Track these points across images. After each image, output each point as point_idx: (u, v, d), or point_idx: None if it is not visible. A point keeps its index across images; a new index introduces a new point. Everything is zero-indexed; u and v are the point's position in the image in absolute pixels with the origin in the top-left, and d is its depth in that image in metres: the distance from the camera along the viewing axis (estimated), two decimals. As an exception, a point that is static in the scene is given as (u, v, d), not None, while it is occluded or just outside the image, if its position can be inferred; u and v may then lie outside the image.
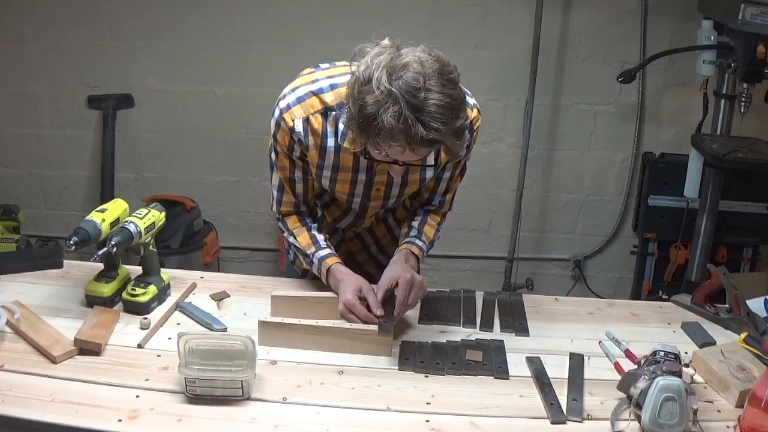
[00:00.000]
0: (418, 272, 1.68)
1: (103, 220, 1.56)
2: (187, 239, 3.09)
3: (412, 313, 1.68)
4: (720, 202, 2.78)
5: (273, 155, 1.66)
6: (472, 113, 1.62)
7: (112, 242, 1.52)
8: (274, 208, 1.73)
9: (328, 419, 1.32)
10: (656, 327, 1.70)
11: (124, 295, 1.63)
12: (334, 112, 1.55)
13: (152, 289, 1.64)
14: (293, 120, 1.56)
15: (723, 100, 2.71)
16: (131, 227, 1.57)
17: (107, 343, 1.49)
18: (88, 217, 1.56)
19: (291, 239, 1.72)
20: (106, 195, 3.17)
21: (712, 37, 2.65)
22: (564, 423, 1.33)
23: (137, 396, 1.34)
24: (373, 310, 1.57)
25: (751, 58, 2.46)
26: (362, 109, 1.35)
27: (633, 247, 3.38)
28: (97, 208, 1.61)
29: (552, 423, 1.33)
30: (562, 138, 3.30)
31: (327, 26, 3.06)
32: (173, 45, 3.15)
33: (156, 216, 1.65)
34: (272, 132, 1.62)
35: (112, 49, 3.16)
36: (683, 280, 2.92)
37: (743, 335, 1.57)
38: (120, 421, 1.27)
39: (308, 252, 1.69)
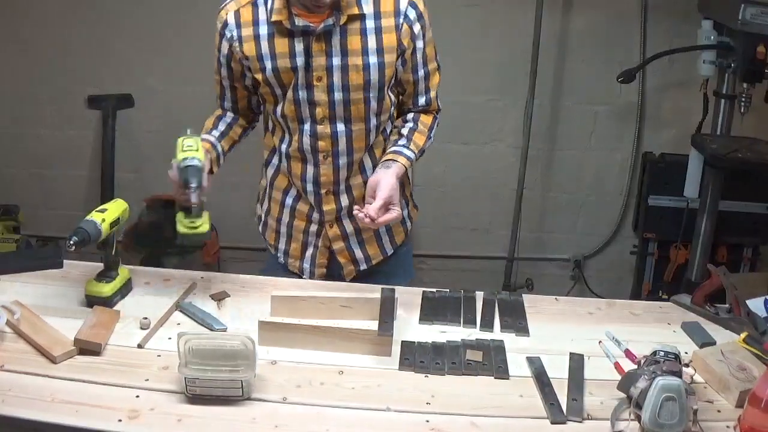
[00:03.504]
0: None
1: (103, 220, 1.57)
2: (187, 239, 3.08)
3: (412, 313, 1.68)
4: (720, 202, 2.78)
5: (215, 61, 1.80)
6: None
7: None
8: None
9: (328, 419, 1.31)
10: (656, 327, 1.70)
11: (180, 228, 1.64)
12: None
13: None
14: (226, 14, 1.73)
15: (723, 100, 2.71)
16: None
17: (107, 343, 1.49)
18: (88, 217, 1.56)
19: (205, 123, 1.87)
20: (106, 195, 3.17)
21: (712, 37, 2.65)
22: (564, 423, 1.33)
23: (137, 396, 1.34)
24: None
25: (751, 58, 2.46)
26: None
27: (633, 247, 3.38)
28: (97, 208, 1.61)
29: (552, 423, 1.33)
30: (562, 138, 3.30)
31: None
32: (173, 45, 3.15)
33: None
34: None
35: (112, 49, 3.16)
36: (683, 280, 2.92)
37: (743, 335, 1.57)
38: (120, 421, 1.27)
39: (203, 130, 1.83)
